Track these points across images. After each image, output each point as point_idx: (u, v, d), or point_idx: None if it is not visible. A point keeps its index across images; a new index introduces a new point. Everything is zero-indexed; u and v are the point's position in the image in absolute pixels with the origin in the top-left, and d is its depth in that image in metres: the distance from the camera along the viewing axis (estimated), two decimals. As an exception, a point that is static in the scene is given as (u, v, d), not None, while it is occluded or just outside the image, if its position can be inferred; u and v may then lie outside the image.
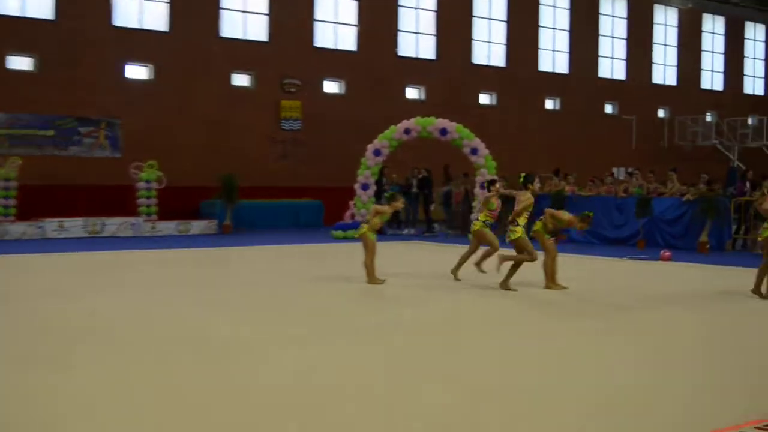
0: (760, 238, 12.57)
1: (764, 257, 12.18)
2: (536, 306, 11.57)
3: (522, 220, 12.74)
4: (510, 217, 12.96)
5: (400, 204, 13.81)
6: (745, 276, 14.02)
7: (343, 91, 33.13)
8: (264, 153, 30.99)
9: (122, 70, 28.78)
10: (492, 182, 14.17)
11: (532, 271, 13.65)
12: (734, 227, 21.28)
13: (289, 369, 7.52)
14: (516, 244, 12.81)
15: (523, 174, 13.05)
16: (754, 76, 47.13)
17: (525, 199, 12.77)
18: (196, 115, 29.62)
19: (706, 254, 19.61)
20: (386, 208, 13.71)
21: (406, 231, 25.93)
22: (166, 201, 26.31)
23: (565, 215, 13.26)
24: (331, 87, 33.03)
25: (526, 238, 12.76)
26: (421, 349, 8.41)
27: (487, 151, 23.90)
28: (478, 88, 36.56)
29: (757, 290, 12.20)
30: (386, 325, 9.86)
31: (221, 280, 13.93)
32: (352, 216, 24.43)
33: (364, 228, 13.48)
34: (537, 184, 13.18)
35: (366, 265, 13.48)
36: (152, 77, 29.32)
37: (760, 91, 47.37)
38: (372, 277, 13.45)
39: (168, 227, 25.42)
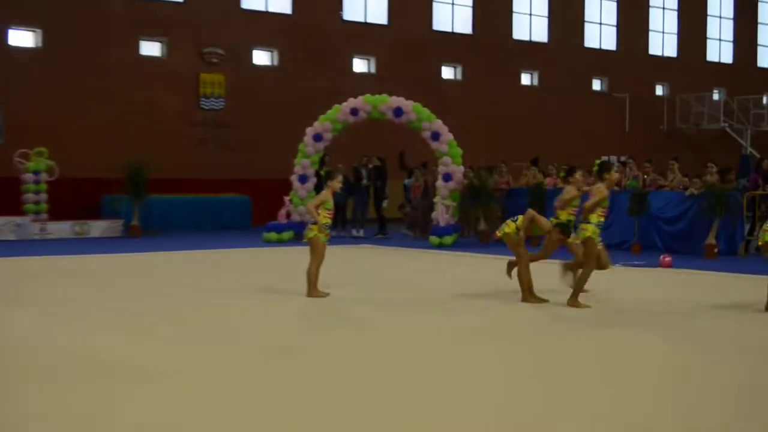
0: (761, 242, 12.77)
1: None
2: (516, 324, 11.60)
3: (595, 218, 12.55)
4: (582, 215, 12.76)
5: (338, 183, 13.67)
6: (762, 286, 14.18)
7: (276, 63, 33.02)
8: (179, 138, 30.78)
9: (4, 37, 28.38)
10: (571, 171, 13.96)
11: (503, 281, 13.70)
12: (747, 227, 21.55)
13: (197, 405, 7.41)
14: (580, 246, 12.69)
15: (597, 161, 12.98)
16: (769, 46, 47.88)
17: (598, 191, 12.60)
18: (95, 91, 29.31)
19: (714, 259, 19.80)
20: (324, 194, 13.59)
21: (354, 233, 25.91)
22: (59, 197, 26.02)
23: (545, 223, 13.30)
24: (261, 57, 32.91)
25: (596, 242, 12.62)
26: (366, 379, 8.38)
27: (450, 136, 23.95)
28: (440, 59, 36.67)
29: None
30: (326, 348, 9.81)
31: (125, 294, 13.77)
32: (288, 215, 24.35)
33: (314, 230, 13.41)
34: (616, 174, 12.98)
35: (309, 274, 13.45)
36: (40, 45, 28.95)
37: (777, 64, 48.10)
38: (313, 289, 13.40)
39: (61, 229, 25.14)
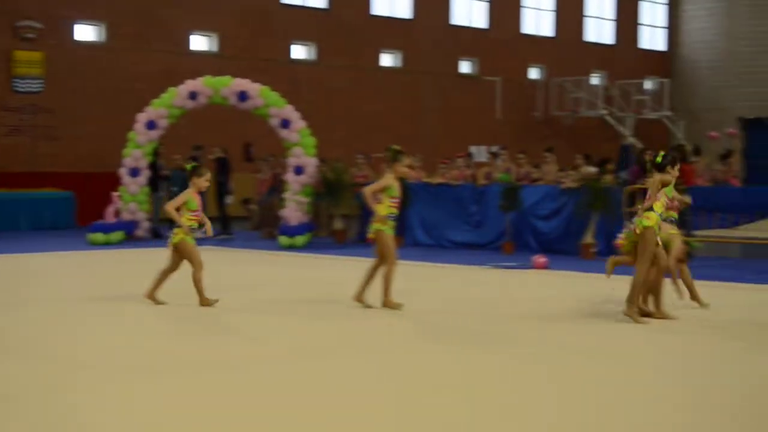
0: (621, 242, 13.19)
1: (637, 267, 12.78)
2: (375, 334, 11.77)
3: (659, 206, 12.42)
4: (645, 203, 12.54)
5: (205, 182, 13.68)
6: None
7: (102, 39, 32.55)
8: (-10, 125, 30.17)
9: None
10: (678, 153, 13.56)
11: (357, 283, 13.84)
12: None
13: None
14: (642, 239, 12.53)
15: (662, 153, 12.87)
16: (653, 26, 49.18)
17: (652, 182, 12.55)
18: None
19: (591, 260, 20.28)
20: (186, 194, 13.57)
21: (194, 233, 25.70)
22: None
23: (385, 179, 13.39)
24: (85, 32, 32.41)
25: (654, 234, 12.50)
26: (232, 394, 8.44)
27: (303, 124, 23.98)
28: (291, 36, 36.64)
29: (657, 309, 12.80)
30: (178, 362, 9.83)
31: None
32: (117, 213, 24.06)
33: (179, 234, 13.42)
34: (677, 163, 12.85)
35: (196, 282, 13.45)
36: None
37: (660, 45, 49.47)
38: (203, 298, 13.46)
39: None
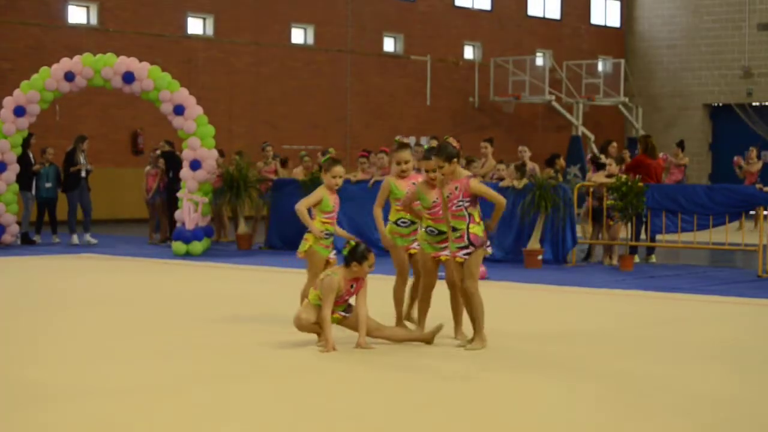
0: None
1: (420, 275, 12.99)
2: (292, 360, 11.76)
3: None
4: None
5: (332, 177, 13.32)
6: (597, 302, 14.69)
7: (-39, 10, 32.25)
8: None
9: None
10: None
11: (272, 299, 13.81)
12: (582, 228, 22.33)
13: None
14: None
15: None
16: (605, -1, 49.71)
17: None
18: None
19: (538, 269, 20.33)
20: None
21: (77, 239, 25.36)
22: None
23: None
24: (-59, 2, 32.10)
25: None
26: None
27: (200, 110, 23.83)
28: (185, 6, 36.47)
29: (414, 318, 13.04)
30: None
31: None
32: (-18, 214, 23.92)
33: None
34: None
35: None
36: None
37: (614, 21, 49.88)
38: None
39: None
